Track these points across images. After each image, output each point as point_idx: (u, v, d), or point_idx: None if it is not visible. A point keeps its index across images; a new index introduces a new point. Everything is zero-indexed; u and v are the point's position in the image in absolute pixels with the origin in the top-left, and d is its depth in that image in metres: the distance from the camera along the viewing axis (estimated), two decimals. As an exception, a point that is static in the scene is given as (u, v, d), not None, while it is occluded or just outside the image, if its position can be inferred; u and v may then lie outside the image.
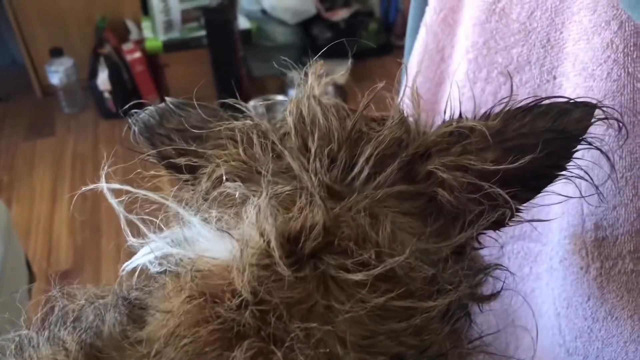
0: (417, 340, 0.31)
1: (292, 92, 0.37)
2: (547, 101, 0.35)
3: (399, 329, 0.30)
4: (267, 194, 0.31)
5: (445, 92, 0.51)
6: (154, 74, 2.42)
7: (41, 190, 2.08)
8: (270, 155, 0.34)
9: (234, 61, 2.29)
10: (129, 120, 0.39)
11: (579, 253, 0.46)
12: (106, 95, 2.37)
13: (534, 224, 0.53)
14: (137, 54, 2.38)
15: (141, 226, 0.33)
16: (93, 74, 2.38)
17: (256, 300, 0.29)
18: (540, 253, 0.53)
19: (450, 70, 0.58)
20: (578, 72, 0.45)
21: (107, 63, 2.35)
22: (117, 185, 0.34)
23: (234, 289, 0.30)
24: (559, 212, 0.48)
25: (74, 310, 0.33)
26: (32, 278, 1.34)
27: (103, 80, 2.34)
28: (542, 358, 0.52)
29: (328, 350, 0.29)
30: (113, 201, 0.34)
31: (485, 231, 0.37)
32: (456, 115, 0.37)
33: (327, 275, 0.30)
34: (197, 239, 0.32)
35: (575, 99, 0.35)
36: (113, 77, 2.34)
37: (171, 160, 0.38)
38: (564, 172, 0.35)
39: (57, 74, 2.39)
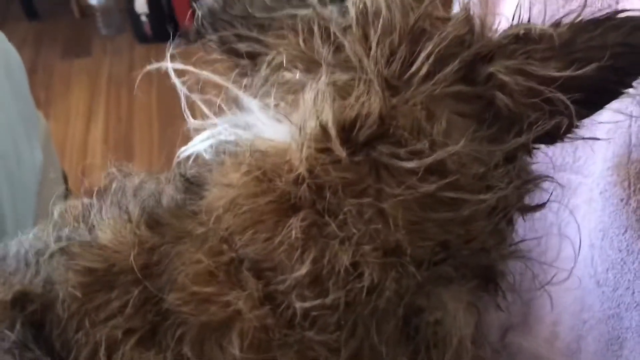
0: (463, 231, 0.32)
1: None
2: (620, 15, 0.34)
3: (446, 219, 0.31)
4: (325, 79, 0.32)
5: (506, 11, 0.50)
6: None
7: (77, 109, 2.11)
8: (331, 46, 0.35)
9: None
10: (194, 4, 0.40)
11: (621, 184, 0.46)
12: (143, 18, 2.35)
13: (577, 154, 0.53)
14: (176, -21, 2.35)
15: (203, 107, 0.34)
16: (131, -3, 2.36)
17: (312, 176, 0.30)
18: (580, 185, 0.53)
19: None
20: (643, -5, 0.43)
21: (145, -14, 2.32)
22: (180, 65, 0.35)
23: (292, 164, 0.31)
24: (604, 141, 0.47)
25: (133, 184, 0.35)
26: (68, 193, 1.38)
27: (141, 3, 2.32)
28: (570, 289, 0.52)
29: (379, 227, 0.30)
30: (176, 80, 0.35)
31: (539, 144, 0.37)
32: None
33: (379, 162, 0.31)
34: (255, 123, 0.33)
35: None
36: (151, 1, 2.32)
37: (232, 45, 0.38)
38: (629, 90, 0.34)
39: (95, -6, 2.38)
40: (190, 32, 0.41)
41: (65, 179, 1.39)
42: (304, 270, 0.30)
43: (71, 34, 2.48)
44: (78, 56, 2.36)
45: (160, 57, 0.36)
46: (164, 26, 2.29)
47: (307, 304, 0.30)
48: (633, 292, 0.47)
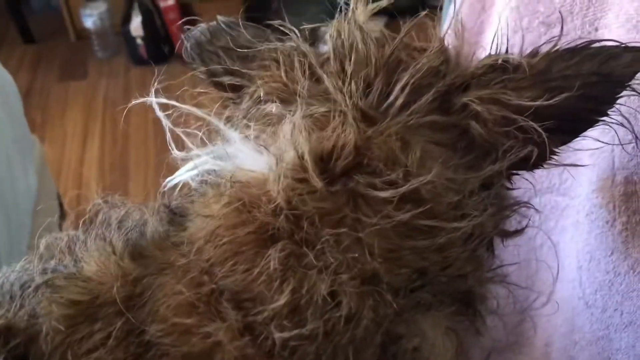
0: (440, 258, 0.32)
1: (324, 47, 0.38)
2: (597, 44, 0.34)
3: (423, 246, 0.32)
4: (302, 112, 0.32)
5: (484, 42, 0.51)
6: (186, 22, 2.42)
7: (73, 131, 2.12)
8: (310, 78, 0.35)
9: (267, 13, 2.27)
10: (182, 36, 0.41)
11: (607, 207, 0.46)
12: (138, 41, 2.37)
13: (564, 177, 0.53)
14: (171, 2, 2.37)
15: (186, 140, 0.35)
16: (126, 20, 2.38)
17: (290, 207, 0.31)
18: (567, 207, 0.53)
19: (491, 20, 0.58)
20: (621, 23, 0.44)
21: (140, 9, 2.35)
22: (164, 100, 0.35)
23: (270, 196, 0.31)
24: (589, 164, 0.48)
25: (118, 216, 0.35)
26: (63, 214, 1.38)
27: (136, 26, 2.34)
28: (560, 310, 0.53)
29: (357, 255, 0.30)
30: (160, 114, 0.35)
31: (517, 171, 0.38)
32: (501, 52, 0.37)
33: (356, 192, 0.32)
34: (236, 154, 0.34)
35: (627, 44, 0.34)
36: (146, 24, 2.34)
37: (217, 79, 0.39)
38: (604, 118, 0.35)
39: (91, 17, 2.40)
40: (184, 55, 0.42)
41: (60, 202, 1.39)
42: (282, 300, 0.30)
43: (67, 57, 2.50)
44: (74, 79, 2.38)
45: (157, 92, 0.37)
46: (159, 49, 2.31)
47: (285, 334, 0.30)
48: (622, 314, 0.47)
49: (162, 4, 2.37)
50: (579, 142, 0.38)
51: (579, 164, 0.46)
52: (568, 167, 0.51)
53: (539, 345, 0.59)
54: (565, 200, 0.53)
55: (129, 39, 2.39)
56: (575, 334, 0.53)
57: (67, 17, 2.54)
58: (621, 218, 0.45)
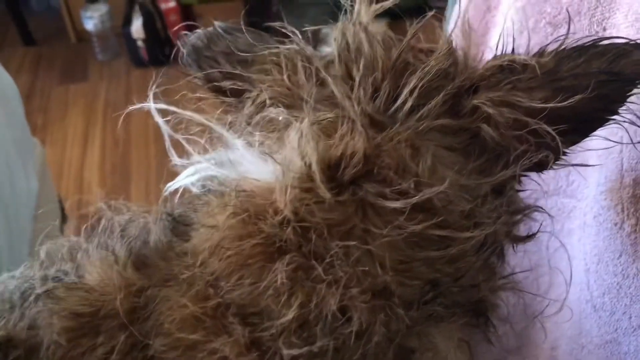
0: (452, 269, 0.31)
1: (326, 49, 0.37)
2: (605, 42, 0.34)
3: (435, 257, 0.31)
4: (309, 119, 0.31)
5: (490, 43, 0.50)
6: (187, 25, 2.42)
7: (73, 134, 2.11)
8: (314, 82, 0.34)
9: (267, 15, 2.27)
10: (178, 43, 0.40)
11: (615, 209, 0.46)
12: (139, 43, 2.37)
13: (570, 179, 0.53)
14: (172, 4, 2.37)
15: (187, 146, 0.34)
16: (127, 22, 2.38)
17: (297, 218, 0.30)
18: (574, 209, 0.53)
19: (496, 21, 0.57)
20: (630, 23, 0.43)
21: (141, 11, 2.34)
22: (163, 105, 0.35)
23: (277, 207, 0.30)
24: (597, 165, 0.47)
25: (121, 222, 0.34)
26: (64, 218, 1.38)
27: (137, 28, 2.34)
28: (567, 314, 0.52)
29: (367, 269, 0.29)
30: (160, 120, 0.35)
31: (527, 173, 0.37)
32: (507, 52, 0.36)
33: (365, 202, 0.31)
34: (240, 161, 0.33)
35: (636, 40, 0.33)
36: (147, 26, 2.34)
37: (216, 83, 0.38)
38: (614, 117, 0.34)
39: (92, 19, 2.40)
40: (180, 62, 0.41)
41: (61, 205, 1.39)
42: (290, 315, 0.29)
43: (68, 60, 2.49)
44: (75, 81, 2.37)
45: (156, 98, 0.36)
46: (160, 51, 2.31)
47: (294, 351, 0.29)
48: (630, 317, 0.46)
49: (163, 6, 2.37)
50: (587, 143, 0.37)
51: (586, 165, 0.45)
52: (575, 169, 0.51)
53: (545, 349, 0.58)
54: (572, 202, 0.53)
55: (130, 41, 2.39)
56: (583, 338, 0.52)
57: (68, 19, 2.54)
58: (630, 220, 0.44)
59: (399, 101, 0.33)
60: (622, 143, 0.39)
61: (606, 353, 0.49)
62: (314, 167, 0.30)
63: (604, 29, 0.46)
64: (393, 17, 0.43)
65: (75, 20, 2.53)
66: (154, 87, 0.36)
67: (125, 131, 2.03)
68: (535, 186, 0.42)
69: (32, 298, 0.33)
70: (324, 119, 0.32)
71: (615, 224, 0.46)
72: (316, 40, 0.38)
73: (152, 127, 2.03)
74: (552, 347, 0.57)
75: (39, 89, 2.34)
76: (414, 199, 0.30)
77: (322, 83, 0.35)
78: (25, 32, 2.55)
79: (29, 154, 1.18)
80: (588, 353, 0.51)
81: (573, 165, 0.37)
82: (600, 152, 0.45)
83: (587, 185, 0.50)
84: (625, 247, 0.45)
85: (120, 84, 2.35)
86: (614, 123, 0.35)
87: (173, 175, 0.36)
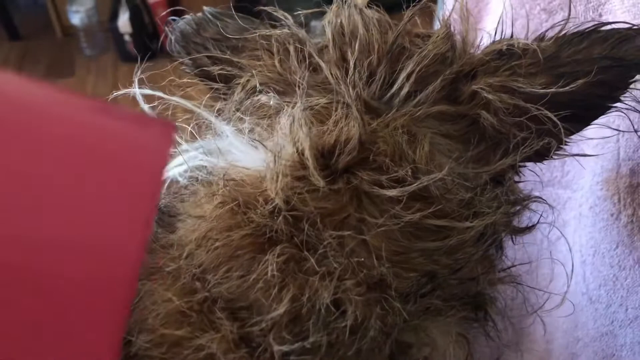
0: (451, 260, 0.30)
1: (316, 40, 0.36)
2: (606, 27, 0.33)
3: (432, 248, 0.30)
4: (302, 103, 0.30)
5: (482, 31, 0.49)
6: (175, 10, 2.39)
7: (60, 130, 2.09)
8: (307, 67, 0.33)
9: (256, 6, 2.25)
10: (166, 29, 0.39)
11: (611, 199, 0.45)
12: (126, 38, 2.34)
13: (566, 169, 0.52)
14: (159, -3, 2.35)
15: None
16: (114, 16, 2.35)
17: (289, 207, 0.29)
18: (569, 200, 0.52)
19: (489, 8, 0.56)
20: (627, 8, 0.43)
21: (128, 5, 2.32)
22: (149, 91, 0.33)
23: (267, 196, 0.29)
24: (593, 155, 0.47)
25: None
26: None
27: (124, 22, 2.31)
28: (562, 307, 0.51)
29: (362, 260, 0.28)
30: (145, 106, 0.33)
31: (526, 162, 0.36)
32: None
33: (360, 190, 0.30)
34: (229, 149, 0.32)
35: (638, 25, 0.33)
36: (134, 20, 2.31)
37: (205, 68, 0.37)
38: (616, 104, 0.33)
39: (78, 14, 2.37)
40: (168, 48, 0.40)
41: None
42: (281, 309, 0.28)
43: (54, 55, 2.46)
44: (61, 76, 2.34)
45: (142, 83, 0.35)
46: (147, 45, 2.29)
47: (285, 347, 0.28)
48: (627, 309, 0.46)
49: (150, 0, 2.34)
50: (583, 133, 0.36)
51: (583, 154, 0.44)
52: (571, 159, 0.50)
53: (539, 342, 0.57)
54: (567, 193, 0.52)
55: (117, 36, 2.36)
56: (579, 331, 0.51)
57: (53, 14, 2.50)
58: (626, 210, 0.44)
59: (395, 86, 0.32)
60: (621, 131, 0.38)
61: (602, 346, 0.48)
62: (307, 154, 0.29)
63: (600, 15, 0.45)
64: (387, 9, 0.42)
65: (61, 15, 2.50)
66: (139, 71, 0.34)
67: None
68: (529, 177, 0.41)
69: None
70: (317, 104, 0.31)
71: (612, 215, 0.45)
72: (308, 27, 0.36)
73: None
74: (547, 341, 0.57)
75: (25, 84, 2.31)
76: (412, 187, 0.29)
77: (314, 69, 0.33)
78: (11, 27, 2.52)
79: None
80: (584, 346, 0.51)
81: (571, 155, 0.36)
82: (596, 142, 0.44)
83: (583, 176, 0.50)
84: (622, 238, 0.45)
85: (107, 79, 2.32)
86: (615, 110, 0.34)
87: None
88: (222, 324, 0.28)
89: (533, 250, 0.48)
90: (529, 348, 0.58)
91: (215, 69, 0.36)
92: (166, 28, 0.39)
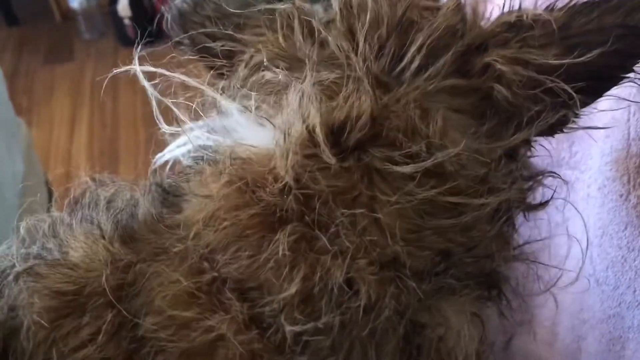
0: (465, 238, 0.30)
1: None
2: None
3: (447, 225, 0.29)
4: (311, 78, 0.29)
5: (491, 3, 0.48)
6: (174, 3, 2.37)
7: (60, 115, 2.07)
8: (314, 42, 0.32)
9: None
10: (162, 8, 0.38)
11: (620, 180, 0.45)
12: (126, 21, 2.32)
13: (574, 150, 0.51)
14: (159, -19, 2.32)
15: (177, 112, 0.32)
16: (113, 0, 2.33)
17: (299, 185, 0.28)
18: (577, 180, 0.51)
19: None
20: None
21: (127, -12, 2.30)
22: (150, 68, 0.33)
23: (277, 174, 0.29)
24: (602, 135, 0.46)
25: (106, 195, 0.33)
26: (51, 199, 1.36)
27: (123, 6, 2.29)
28: (570, 287, 0.51)
29: (375, 238, 0.28)
30: (146, 84, 0.33)
31: (539, 137, 0.35)
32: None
33: (372, 168, 0.29)
34: (235, 128, 0.31)
35: None
36: (134, 3, 2.29)
37: (206, 44, 0.36)
38: (629, 75, 0.32)
39: (76, -3, 2.35)
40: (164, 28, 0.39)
41: (49, 188, 1.36)
42: (293, 289, 0.27)
43: (53, 39, 2.44)
44: (60, 61, 2.33)
45: (143, 61, 0.34)
46: (147, 29, 2.27)
47: (297, 328, 0.27)
48: (635, 291, 0.45)
49: (149, -17, 2.32)
50: (593, 114, 0.36)
51: (592, 134, 0.43)
52: (579, 139, 0.49)
53: (545, 324, 0.57)
54: (575, 173, 0.52)
55: (117, 20, 2.34)
56: (585, 313, 0.51)
57: (52, -2, 2.48)
58: (636, 191, 0.43)
59: (405, 60, 0.31)
60: (631, 101, 0.37)
61: (609, 328, 0.48)
62: (317, 130, 0.28)
63: None
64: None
65: (60, -2, 2.48)
66: (139, 48, 0.33)
67: (113, 112, 1.99)
68: (540, 155, 0.41)
69: (11, 277, 0.31)
70: (326, 79, 0.30)
71: (621, 196, 0.45)
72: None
73: (140, 107, 1.99)
74: (553, 323, 0.56)
75: (24, 70, 2.29)
76: (426, 163, 0.28)
77: (321, 44, 0.33)
78: (9, 12, 2.49)
79: (13, 136, 1.15)
80: (590, 328, 0.51)
81: (583, 128, 0.35)
82: (606, 120, 0.43)
83: (591, 157, 0.49)
84: (631, 219, 0.44)
85: (107, 64, 2.29)
86: (628, 81, 0.33)
87: (162, 148, 0.34)
88: (232, 305, 0.28)
89: (540, 230, 0.48)
90: (532, 330, 0.57)
91: (217, 45, 0.35)
92: (163, 8, 0.38)
